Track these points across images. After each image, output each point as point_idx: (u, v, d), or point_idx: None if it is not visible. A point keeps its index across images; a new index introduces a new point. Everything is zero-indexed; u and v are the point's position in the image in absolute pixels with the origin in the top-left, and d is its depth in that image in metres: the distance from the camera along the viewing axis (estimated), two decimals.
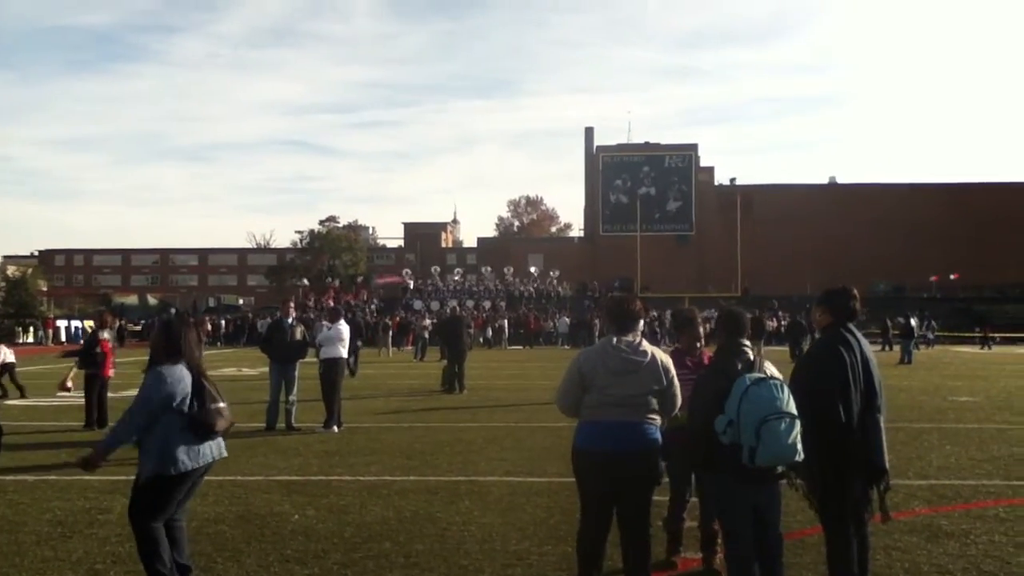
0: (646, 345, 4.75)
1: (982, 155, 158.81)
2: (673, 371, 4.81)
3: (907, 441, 10.79)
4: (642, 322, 4.85)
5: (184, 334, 5.11)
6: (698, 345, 5.97)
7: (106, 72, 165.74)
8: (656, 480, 4.77)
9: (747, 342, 4.65)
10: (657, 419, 4.73)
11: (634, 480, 4.63)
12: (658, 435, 4.72)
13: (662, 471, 4.81)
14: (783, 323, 41.32)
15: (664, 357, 4.80)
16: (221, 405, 5.08)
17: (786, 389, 4.24)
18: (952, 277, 65.11)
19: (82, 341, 11.32)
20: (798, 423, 4.16)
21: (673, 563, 5.72)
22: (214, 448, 5.11)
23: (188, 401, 4.95)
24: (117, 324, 11.77)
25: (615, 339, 4.72)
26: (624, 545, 4.73)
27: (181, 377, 4.98)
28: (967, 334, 45.80)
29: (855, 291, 4.84)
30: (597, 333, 39.55)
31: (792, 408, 4.19)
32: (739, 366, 4.46)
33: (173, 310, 55.89)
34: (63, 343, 46.29)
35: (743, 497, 4.34)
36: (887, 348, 36.87)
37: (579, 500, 4.84)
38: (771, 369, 4.56)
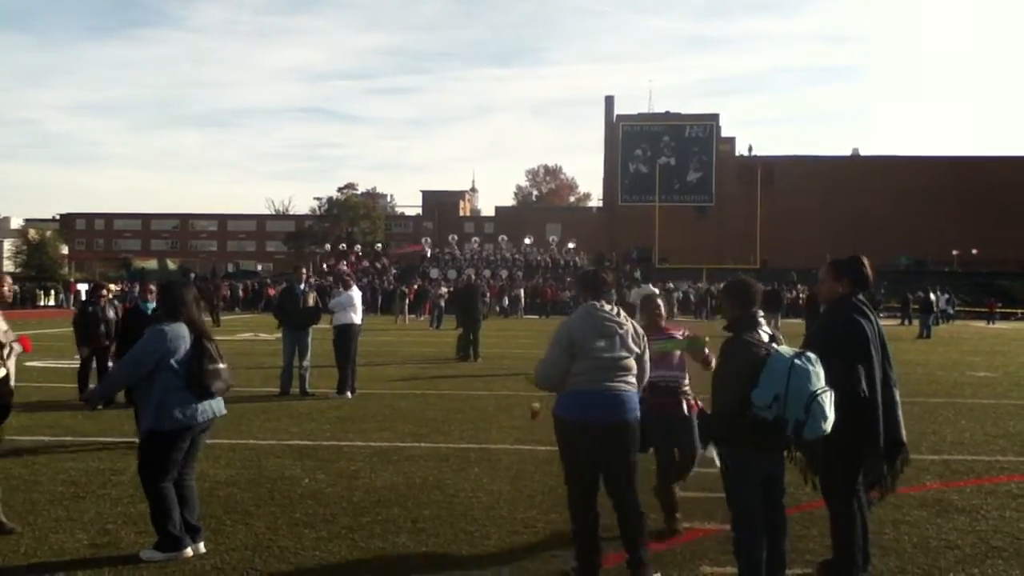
0: (622, 312, 4.92)
1: (1006, 129, 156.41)
2: (646, 339, 5.00)
3: (922, 416, 10.71)
4: (613, 293, 5.04)
5: (184, 295, 5.18)
6: (661, 323, 6.03)
7: (127, 37, 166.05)
8: (638, 446, 4.90)
9: (761, 312, 4.57)
10: (635, 385, 4.87)
11: (620, 449, 4.75)
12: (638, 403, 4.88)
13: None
14: (801, 296, 41.06)
15: (637, 325, 4.99)
16: (221, 366, 5.18)
17: (820, 362, 4.15)
18: (974, 252, 64.49)
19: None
20: (833, 396, 4.11)
21: (676, 531, 5.70)
22: (213, 406, 5.20)
23: (186, 359, 5.04)
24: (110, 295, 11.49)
25: (596, 304, 4.86)
26: (618, 512, 4.79)
27: (181, 335, 5.10)
28: (982, 309, 45.63)
29: (867, 259, 4.75)
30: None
31: (824, 381, 4.13)
32: (765, 338, 4.39)
33: (192, 275, 56.32)
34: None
35: (759, 470, 4.31)
36: (906, 322, 36.62)
37: (565, 470, 4.88)
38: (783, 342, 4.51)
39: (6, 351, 5.65)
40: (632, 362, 4.82)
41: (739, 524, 4.36)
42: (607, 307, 4.87)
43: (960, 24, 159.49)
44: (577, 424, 4.74)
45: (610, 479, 4.79)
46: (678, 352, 5.95)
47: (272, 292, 29.80)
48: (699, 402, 5.92)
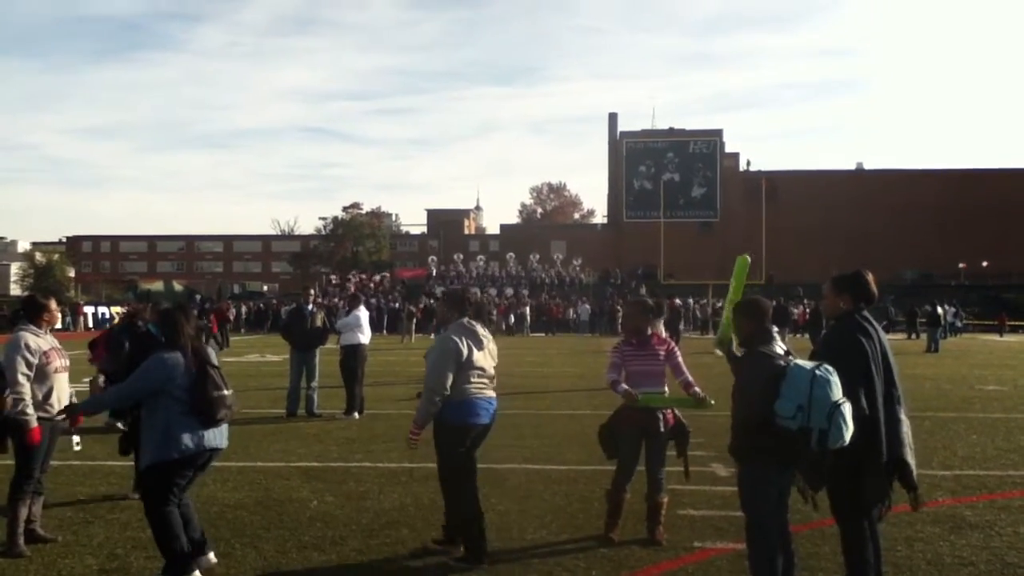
0: (484, 328, 5.65)
1: (1013, 141, 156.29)
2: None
3: (932, 431, 10.66)
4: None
5: (182, 322, 5.18)
6: (647, 330, 6.23)
7: (131, 60, 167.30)
8: None
9: (775, 328, 4.60)
10: None
11: (479, 445, 5.64)
12: None
13: None
14: (808, 311, 40.92)
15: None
16: (225, 392, 5.14)
17: (836, 373, 4.17)
18: (984, 264, 64.28)
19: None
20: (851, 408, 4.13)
21: (611, 539, 5.86)
22: (217, 435, 5.17)
23: (188, 386, 5.03)
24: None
25: (466, 321, 5.54)
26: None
27: (181, 362, 5.07)
28: (990, 322, 45.49)
29: (869, 274, 4.73)
30: (619, 322, 39.24)
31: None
32: (782, 351, 4.41)
33: (198, 296, 56.41)
34: (89, 328, 46.84)
35: (776, 484, 4.31)
36: (914, 336, 36.47)
37: (450, 471, 5.47)
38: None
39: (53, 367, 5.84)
40: (493, 371, 5.58)
41: (755, 540, 4.35)
42: (476, 324, 5.55)
43: (963, 36, 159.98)
44: (467, 428, 5.41)
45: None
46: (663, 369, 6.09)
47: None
48: (676, 416, 5.97)
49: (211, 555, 5.26)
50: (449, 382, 5.30)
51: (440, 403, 5.33)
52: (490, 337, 5.59)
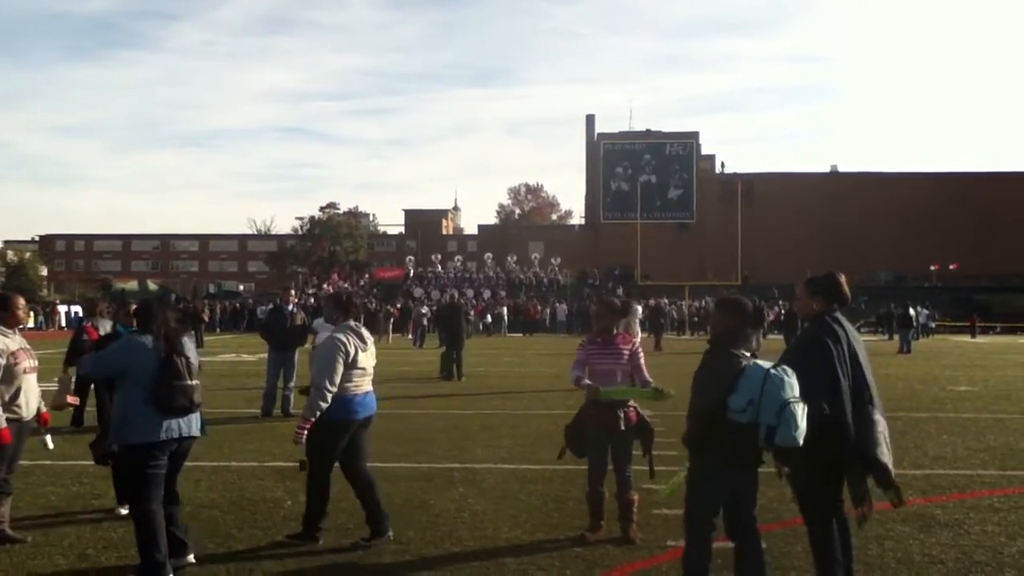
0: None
1: (983, 145, 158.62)
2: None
3: (904, 431, 10.77)
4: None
5: (160, 311, 5.19)
6: (613, 328, 6.34)
7: (105, 59, 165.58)
8: None
9: (751, 329, 4.62)
10: None
11: (367, 433, 5.99)
12: None
13: None
14: (782, 312, 41.23)
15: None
16: (188, 383, 5.08)
17: (795, 375, 4.21)
18: (952, 267, 65.08)
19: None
20: (806, 409, 4.15)
21: (585, 537, 5.91)
22: (183, 424, 5.11)
23: (151, 374, 4.99)
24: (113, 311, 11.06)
25: (352, 323, 5.96)
26: (360, 481, 5.89)
27: (151, 348, 5.05)
28: (962, 323, 46.11)
29: (842, 276, 4.77)
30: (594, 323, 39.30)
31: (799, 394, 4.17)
32: (748, 352, 4.45)
33: (173, 296, 55.97)
34: (63, 328, 46.32)
35: (725, 481, 4.34)
36: (891, 337, 36.80)
37: (318, 463, 5.74)
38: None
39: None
40: (372, 369, 6.02)
41: (690, 533, 4.42)
42: (359, 326, 5.98)
43: (934, 42, 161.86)
44: (348, 423, 5.76)
45: (354, 458, 5.91)
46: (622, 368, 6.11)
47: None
48: (639, 414, 6.01)
49: (191, 557, 5.24)
50: (338, 378, 5.65)
51: (330, 397, 5.61)
52: (372, 338, 6.03)
